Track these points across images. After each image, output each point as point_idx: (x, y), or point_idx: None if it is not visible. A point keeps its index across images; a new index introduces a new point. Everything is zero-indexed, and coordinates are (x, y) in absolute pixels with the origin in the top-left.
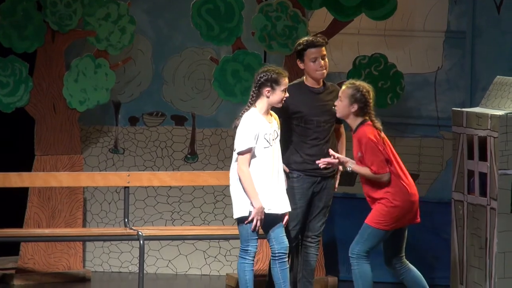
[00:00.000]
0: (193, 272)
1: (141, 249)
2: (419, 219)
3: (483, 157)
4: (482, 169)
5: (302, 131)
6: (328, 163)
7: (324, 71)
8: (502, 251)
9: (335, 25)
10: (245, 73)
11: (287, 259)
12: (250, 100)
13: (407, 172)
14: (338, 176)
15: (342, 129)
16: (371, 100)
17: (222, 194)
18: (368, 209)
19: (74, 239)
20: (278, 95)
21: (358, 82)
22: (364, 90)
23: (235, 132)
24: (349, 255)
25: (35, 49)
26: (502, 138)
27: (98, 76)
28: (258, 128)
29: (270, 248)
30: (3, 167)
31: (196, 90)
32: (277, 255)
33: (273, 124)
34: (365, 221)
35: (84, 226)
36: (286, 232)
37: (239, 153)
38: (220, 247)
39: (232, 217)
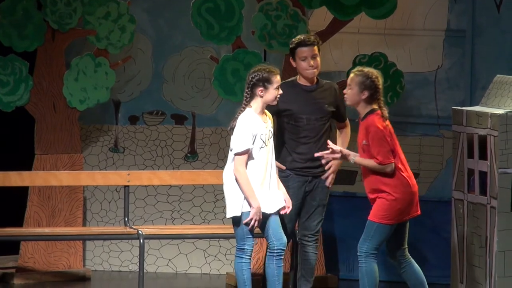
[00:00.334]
0: (193, 271)
1: (141, 248)
2: (419, 211)
3: (483, 156)
4: (482, 168)
5: (292, 129)
6: (332, 158)
7: (315, 70)
8: (502, 250)
9: (335, 24)
10: (245, 72)
11: (283, 257)
12: (244, 101)
13: (407, 164)
14: (333, 175)
15: (348, 128)
16: (381, 86)
17: (222, 193)
18: (368, 207)
19: (74, 238)
20: (271, 93)
21: (367, 69)
22: (374, 76)
23: (231, 134)
24: (358, 253)
25: (35, 48)
26: (502, 137)
27: (98, 75)
28: (255, 129)
29: (269, 245)
30: (3, 166)
31: (196, 89)
32: (276, 251)
33: (268, 124)
34: (368, 218)
35: (84, 225)
36: None
37: (237, 154)
38: (220, 246)
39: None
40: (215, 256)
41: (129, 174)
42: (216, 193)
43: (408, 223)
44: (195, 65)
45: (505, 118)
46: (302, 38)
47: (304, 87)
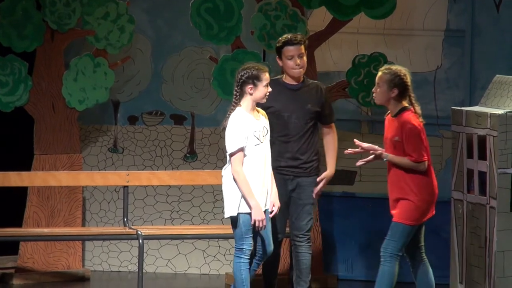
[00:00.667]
0: (193, 271)
1: (140, 248)
2: (434, 211)
3: (482, 156)
4: (481, 168)
5: (274, 126)
6: (366, 161)
7: (301, 69)
8: (501, 250)
9: (334, 24)
10: None
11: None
12: (234, 99)
13: (431, 165)
14: (323, 187)
15: (332, 129)
16: (409, 83)
17: (222, 193)
18: (367, 208)
19: (73, 238)
20: (261, 91)
21: (394, 67)
22: (402, 74)
23: (224, 134)
24: (382, 253)
25: (34, 48)
26: (501, 137)
27: (97, 75)
28: (246, 127)
29: (257, 247)
30: (2, 167)
31: (195, 89)
32: (258, 255)
33: (262, 121)
34: (394, 220)
35: (83, 225)
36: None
37: (231, 154)
38: (219, 246)
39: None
40: (214, 256)
41: (128, 175)
42: (215, 193)
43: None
44: (194, 65)
45: (505, 118)
46: (289, 37)
47: (288, 85)
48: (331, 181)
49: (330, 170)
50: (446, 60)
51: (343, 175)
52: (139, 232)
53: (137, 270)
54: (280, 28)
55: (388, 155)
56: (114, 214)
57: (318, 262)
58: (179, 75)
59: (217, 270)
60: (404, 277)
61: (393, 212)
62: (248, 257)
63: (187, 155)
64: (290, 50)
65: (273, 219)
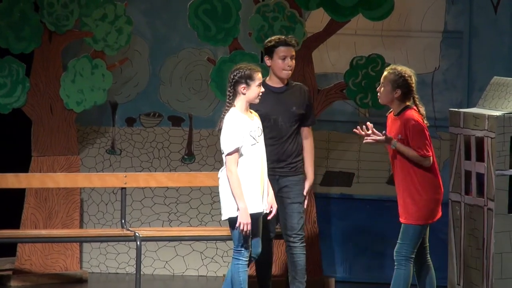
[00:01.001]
0: (190, 273)
1: (138, 250)
2: (441, 212)
3: (480, 157)
4: (479, 169)
5: None
6: (375, 140)
7: (290, 72)
8: (499, 252)
9: (332, 26)
10: None
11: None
12: (227, 100)
13: (437, 164)
14: (307, 185)
15: (310, 132)
16: (414, 85)
17: (219, 195)
18: (365, 209)
19: (71, 240)
20: (254, 90)
21: (400, 67)
22: (407, 75)
23: (219, 135)
24: (396, 257)
25: (32, 50)
26: (499, 138)
27: (95, 77)
28: (242, 127)
29: (245, 246)
30: (0, 168)
31: (193, 90)
32: (251, 258)
33: (255, 121)
34: (403, 222)
35: (81, 227)
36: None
37: (227, 154)
38: (217, 248)
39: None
40: (212, 258)
41: (126, 176)
42: (213, 195)
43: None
44: (192, 66)
45: (502, 120)
46: (284, 37)
47: (272, 88)
48: (329, 182)
49: (310, 178)
50: (444, 62)
51: (340, 177)
52: (136, 234)
53: (134, 272)
54: (278, 30)
55: (397, 143)
56: (112, 216)
57: (316, 263)
58: (177, 76)
59: (215, 272)
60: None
61: (401, 214)
62: (247, 259)
63: (185, 156)
64: (284, 50)
65: (263, 221)
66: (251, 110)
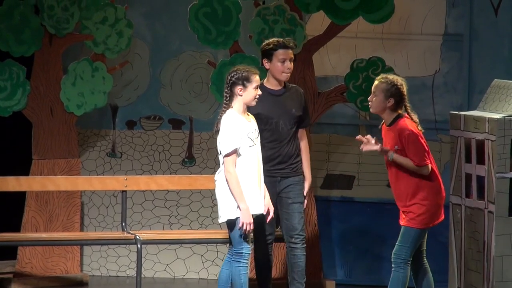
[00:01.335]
0: (191, 276)
1: (139, 253)
2: (443, 216)
3: (480, 160)
4: (480, 172)
5: (261, 132)
6: (371, 149)
7: (289, 74)
8: (499, 255)
9: (332, 29)
10: None
11: None
12: (224, 101)
13: (437, 169)
14: (307, 185)
15: (305, 134)
16: (405, 93)
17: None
18: (366, 212)
19: (71, 243)
20: (250, 92)
21: (391, 76)
22: (399, 84)
23: (216, 136)
24: (394, 259)
25: (33, 52)
26: (499, 141)
27: (96, 80)
28: (240, 128)
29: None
30: (0, 171)
31: (194, 93)
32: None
33: (253, 123)
34: (404, 225)
35: (81, 230)
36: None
37: (226, 156)
38: (217, 251)
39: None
40: (213, 261)
41: (126, 179)
42: (214, 198)
43: None
44: (192, 69)
45: (503, 123)
46: (282, 40)
47: (271, 91)
48: (330, 185)
49: (309, 179)
50: (444, 65)
51: (341, 180)
52: (137, 237)
53: (135, 275)
54: (278, 33)
55: (394, 154)
56: (112, 219)
57: (317, 266)
58: (177, 79)
59: (215, 275)
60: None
61: (401, 216)
62: (247, 261)
63: (186, 159)
64: (283, 53)
65: (263, 223)
66: (248, 113)
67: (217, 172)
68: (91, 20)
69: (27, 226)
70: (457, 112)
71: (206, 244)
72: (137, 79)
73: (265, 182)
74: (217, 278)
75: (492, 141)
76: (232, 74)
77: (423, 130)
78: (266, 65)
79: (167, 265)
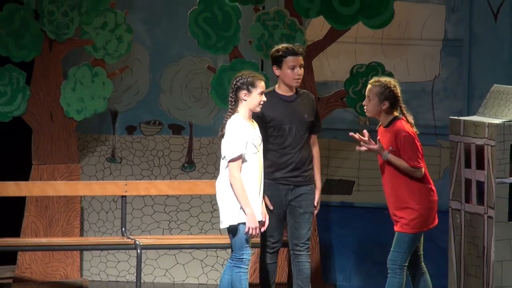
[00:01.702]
0: (191, 281)
1: (139, 258)
2: (437, 220)
3: (480, 165)
4: (479, 177)
5: (274, 139)
6: (368, 148)
7: (300, 80)
8: (499, 260)
9: (332, 34)
10: None
11: None
12: (230, 106)
13: (428, 173)
14: (318, 194)
15: (316, 139)
16: (399, 94)
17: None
18: (365, 217)
19: (71, 248)
20: (255, 98)
21: (383, 78)
22: (392, 86)
23: (220, 141)
24: (390, 265)
25: (33, 58)
26: (499, 146)
27: (95, 85)
28: (246, 134)
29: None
30: (0, 176)
31: (193, 99)
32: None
33: (257, 130)
34: (398, 231)
35: (81, 235)
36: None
37: (231, 161)
38: (217, 256)
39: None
40: (213, 266)
41: (126, 184)
42: (213, 203)
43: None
44: (192, 75)
45: (502, 128)
46: (292, 47)
47: (283, 97)
48: (329, 190)
49: (319, 187)
50: (444, 70)
51: (341, 185)
52: (137, 242)
53: (135, 280)
54: (278, 38)
55: (388, 154)
56: (112, 224)
57: (317, 271)
58: (177, 84)
59: (215, 280)
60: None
61: (395, 222)
62: (248, 266)
63: (185, 165)
64: (292, 60)
65: (271, 229)
66: (253, 120)
67: (218, 178)
68: (91, 25)
69: (27, 231)
70: (456, 117)
71: (205, 249)
72: (137, 84)
73: (277, 189)
74: (218, 284)
75: (491, 146)
76: (237, 79)
77: (418, 132)
78: (276, 72)
79: (167, 270)
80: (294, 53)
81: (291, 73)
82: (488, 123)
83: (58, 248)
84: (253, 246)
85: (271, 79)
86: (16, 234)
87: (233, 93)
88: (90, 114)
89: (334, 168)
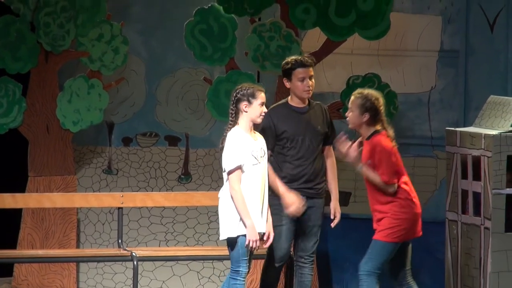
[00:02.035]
0: None
1: (135, 270)
2: (421, 233)
3: (477, 176)
4: (476, 188)
5: (288, 151)
6: (347, 152)
7: (311, 91)
8: (496, 271)
9: (328, 45)
10: None
11: None
12: (230, 118)
13: (411, 184)
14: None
15: (331, 151)
16: (381, 107)
17: (216, 215)
18: (362, 229)
19: (67, 260)
20: (255, 109)
21: (367, 91)
22: (374, 98)
23: (221, 154)
24: (360, 273)
25: (29, 69)
26: (495, 157)
27: (92, 97)
28: (244, 145)
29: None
30: None
31: (190, 110)
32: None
33: (259, 142)
34: (374, 238)
35: (77, 247)
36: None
37: (229, 172)
38: (214, 268)
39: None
40: (209, 278)
41: (122, 196)
42: (210, 214)
43: (410, 244)
44: (188, 86)
45: (499, 139)
46: (300, 58)
47: (296, 108)
48: (326, 202)
49: (336, 200)
50: (440, 81)
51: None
52: (133, 254)
53: None
54: (274, 49)
55: (363, 166)
56: (109, 236)
57: (313, 283)
58: (173, 96)
59: None
60: None
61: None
62: (244, 279)
63: (182, 176)
64: (301, 72)
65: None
66: (255, 131)
67: (221, 190)
68: (87, 37)
69: (23, 243)
70: (453, 129)
71: (202, 261)
72: (133, 96)
73: None
74: None
75: (488, 157)
76: (238, 91)
77: (397, 146)
78: (287, 84)
79: (164, 282)
80: (303, 65)
81: (301, 85)
82: (485, 134)
83: (55, 260)
84: (258, 257)
85: (268, 90)
86: (13, 246)
87: (234, 105)
88: (86, 126)
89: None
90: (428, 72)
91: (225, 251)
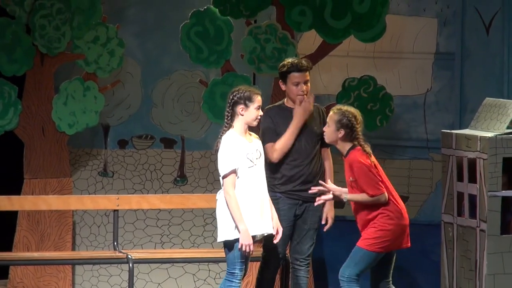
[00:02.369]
0: None
1: (131, 272)
2: (409, 244)
3: (472, 179)
4: (471, 191)
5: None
6: (324, 200)
7: (305, 96)
8: (491, 273)
9: (324, 47)
10: None
11: None
12: (225, 121)
13: (398, 196)
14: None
15: (329, 153)
16: (358, 125)
17: (212, 217)
18: (358, 231)
19: (63, 262)
20: (252, 112)
21: (345, 107)
22: (350, 116)
23: (215, 156)
24: (339, 277)
25: (24, 72)
26: (491, 160)
27: (87, 99)
28: (239, 148)
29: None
30: None
31: (185, 112)
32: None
33: (254, 143)
34: (357, 244)
35: (73, 249)
36: (269, 254)
37: (224, 176)
38: (209, 270)
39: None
40: (205, 280)
41: (118, 198)
42: (206, 217)
43: (394, 256)
44: (184, 89)
45: (494, 141)
46: (296, 62)
47: (292, 109)
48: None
49: (330, 204)
50: (436, 83)
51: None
52: (129, 256)
53: None
54: (270, 51)
55: (348, 196)
56: (104, 238)
57: (309, 285)
58: (169, 98)
59: None
60: None
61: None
62: (240, 282)
63: (177, 178)
64: (296, 76)
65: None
66: (251, 133)
67: (218, 192)
68: (82, 40)
69: (19, 246)
70: (448, 131)
71: (198, 263)
72: (128, 98)
73: (287, 204)
74: None
75: (483, 159)
76: (234, 94)
77: (374, 163)
78: (282, 86)
79: (159, 284)
80: (298, 69)
81: (295, 89)
82: (480, 136)
83: (50, 262)
84: (254, 260)
85: (264, 93)
86: (8, 248)
87: (230, 107)
88: (82, 128)
89: None
90: (423, 74)
91: (220, 253)
